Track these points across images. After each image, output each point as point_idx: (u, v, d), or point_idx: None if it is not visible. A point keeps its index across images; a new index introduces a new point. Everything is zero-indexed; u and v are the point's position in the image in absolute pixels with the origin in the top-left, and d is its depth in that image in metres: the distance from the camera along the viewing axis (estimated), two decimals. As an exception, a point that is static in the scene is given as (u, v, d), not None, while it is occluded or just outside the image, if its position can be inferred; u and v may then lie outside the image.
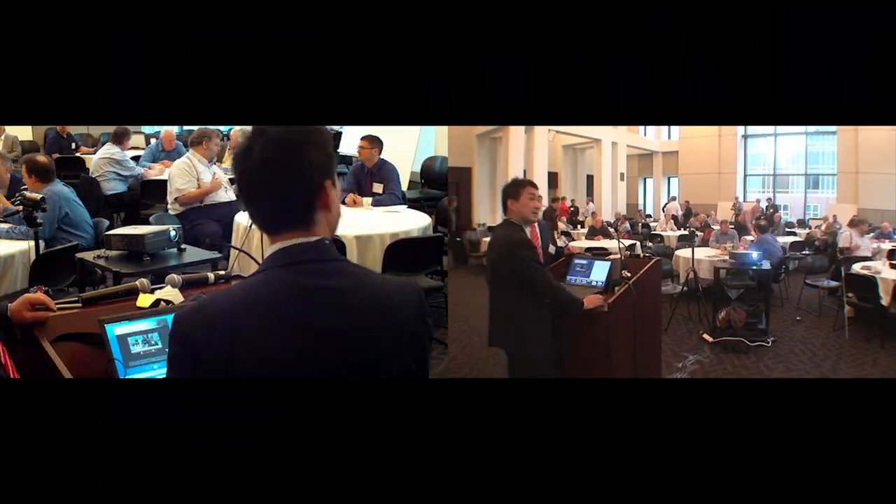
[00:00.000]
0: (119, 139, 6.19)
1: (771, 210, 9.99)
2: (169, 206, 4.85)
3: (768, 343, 5.11)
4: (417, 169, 7.67)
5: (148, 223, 4.26)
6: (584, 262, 3.33)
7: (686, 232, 8.11)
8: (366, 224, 4.31)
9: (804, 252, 7.56)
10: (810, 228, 9.41)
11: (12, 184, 5.01)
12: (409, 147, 7.63)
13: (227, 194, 4.90)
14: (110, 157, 6.07)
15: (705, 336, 5.31)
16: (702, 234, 8.13)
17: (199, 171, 4.84)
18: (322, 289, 1.12)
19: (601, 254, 3.56)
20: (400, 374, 1.19)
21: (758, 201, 10.78)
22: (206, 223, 4.71)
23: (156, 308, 1.87)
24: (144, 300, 1.91)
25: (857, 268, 5.55)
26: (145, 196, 5.90)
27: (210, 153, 4.93)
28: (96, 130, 8.79)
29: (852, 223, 6.51)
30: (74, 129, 8.49)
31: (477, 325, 4.83)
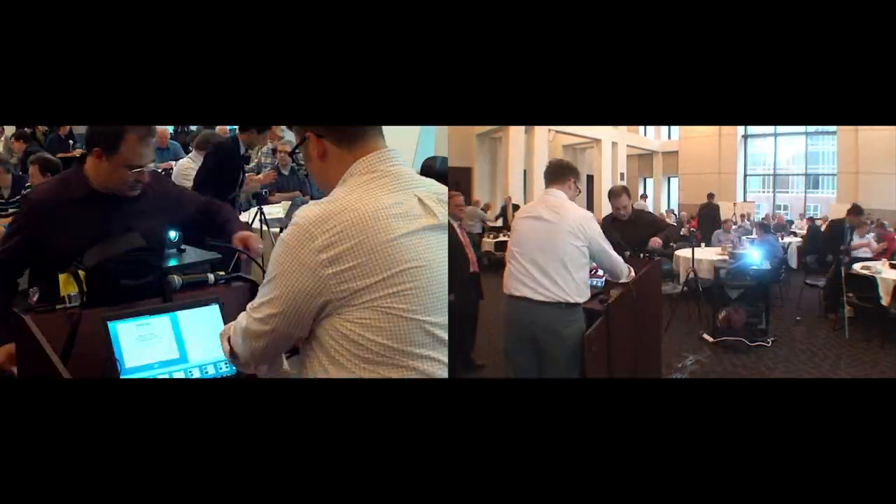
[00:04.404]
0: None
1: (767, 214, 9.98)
2: None
3: (768, 343, 5.10)
4: (417, 169, 7.66)
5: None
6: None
7: (686, 232, 8.10)
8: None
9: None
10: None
11: (16, 183, 5.02)
12: (409, 147, 7.61)
13: None
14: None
15: (705, 336, 5.30)
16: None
17: None
18: None
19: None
20: None
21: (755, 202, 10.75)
22: None
23: (161, 305, 1.86)
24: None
25: (857, 268, 5.55)
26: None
27: None
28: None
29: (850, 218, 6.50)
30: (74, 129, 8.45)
31: (477, 324, 4.83)
